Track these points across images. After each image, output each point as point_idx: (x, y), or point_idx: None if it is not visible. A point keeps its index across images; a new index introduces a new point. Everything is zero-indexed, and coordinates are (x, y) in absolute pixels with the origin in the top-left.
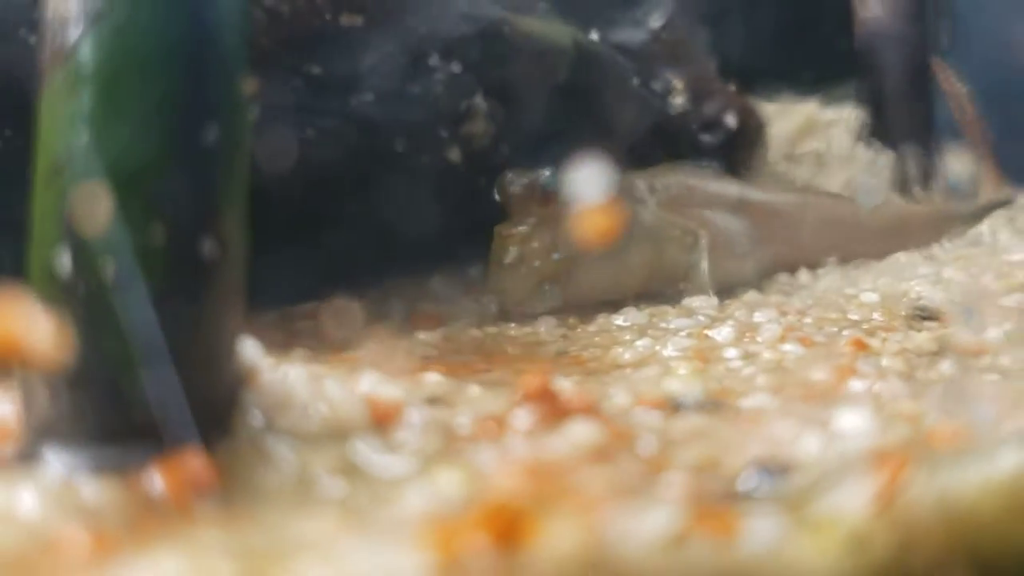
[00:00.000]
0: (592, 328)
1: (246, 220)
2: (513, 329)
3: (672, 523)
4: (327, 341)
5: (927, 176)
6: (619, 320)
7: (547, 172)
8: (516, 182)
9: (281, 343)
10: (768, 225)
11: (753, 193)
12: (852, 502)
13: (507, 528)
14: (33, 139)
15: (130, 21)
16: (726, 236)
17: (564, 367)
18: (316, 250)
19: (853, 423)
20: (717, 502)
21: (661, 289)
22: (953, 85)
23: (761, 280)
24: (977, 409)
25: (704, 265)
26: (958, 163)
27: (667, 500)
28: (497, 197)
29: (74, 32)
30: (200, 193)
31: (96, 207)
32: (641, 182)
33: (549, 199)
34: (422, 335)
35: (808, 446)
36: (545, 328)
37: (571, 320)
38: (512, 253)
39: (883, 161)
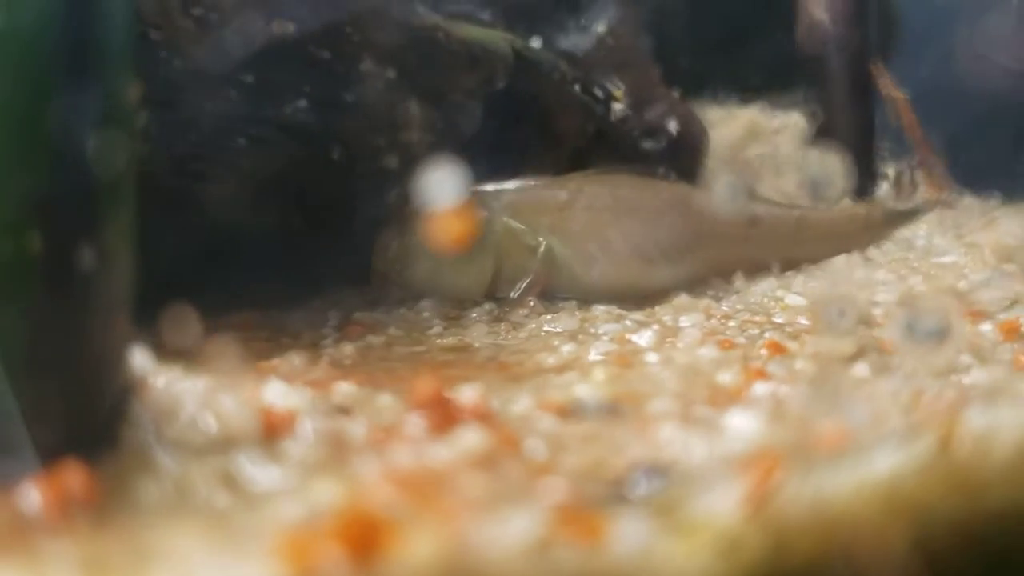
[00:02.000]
0: (523, 334)
1: (132, 229)
2: (443, 337)
3: (537, 527)
4: (245, 352)
5: (867, 180)
6: (550, 326)
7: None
8: (394, 196)
9: (207, 353)
10: (699, 231)
11: (685, 199)
12: (723, 504)
13: (364, 537)
14: None
15: (6, 27)
16: (619, 243)
17: (488, 372)
18: (251, 260)
19: (741, 426)
20: (589, 506)
21: (504, 294)
22: (892, 90)
23: (692, 285)
24: (857, 411)
25: (531, 278)
26: (895, 167)
27: (536, 506)
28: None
29: None
30: (79, 201)
31: None
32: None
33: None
34: (352, 344)
35: (693, 449)
36: (477, 334)
37: (503, 326)
38: (388, 256)
39: (828, 165)
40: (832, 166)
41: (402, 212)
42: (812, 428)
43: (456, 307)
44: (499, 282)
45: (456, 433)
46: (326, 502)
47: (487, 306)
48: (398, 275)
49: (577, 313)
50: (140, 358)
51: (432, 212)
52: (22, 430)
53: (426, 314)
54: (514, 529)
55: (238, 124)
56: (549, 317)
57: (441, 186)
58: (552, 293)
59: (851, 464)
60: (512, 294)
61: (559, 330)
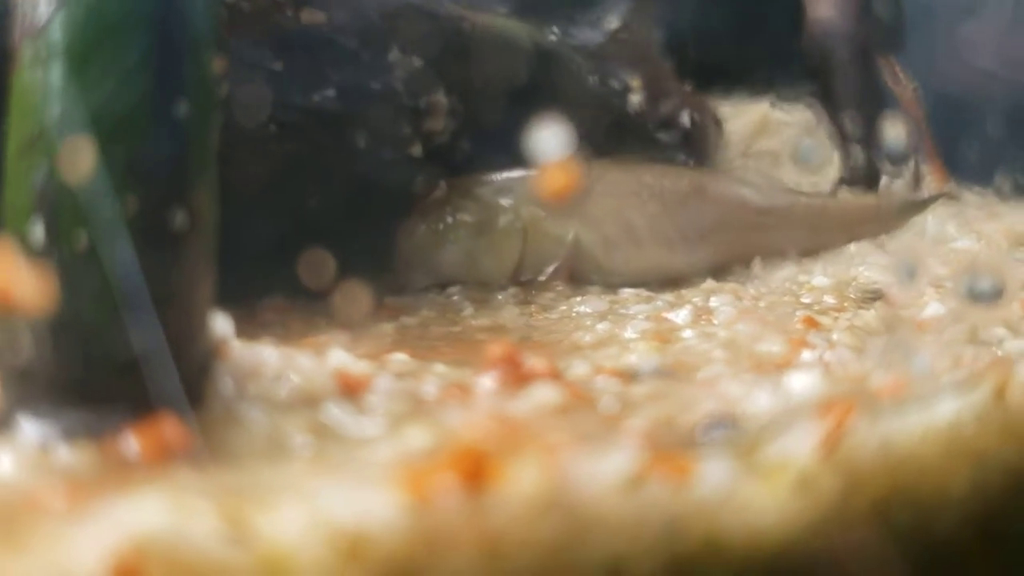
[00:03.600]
0: (554, 316)
1: (216, 194)
2: (476, 318)
3: (630, 465)
4: (294, 329)
5: (876, 172)
6: (580, 307)
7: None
8: (420, 184)
9: (248, 333)
10: (719, 217)
11: (705, 186)
12: (799, 447)
13: (474, 470)
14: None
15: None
16: (642, 228)
17: (528, 350)
18: (279, 245)
19: (802, 382)
20: (673, 449)
21: (530, 278)
22: (901, 84)
23: (713, 271)
24: (917, 363)
25: (558, 262)
26: (894, 133)
27: (626, 446)
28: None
29: (45, 9)
30: (172, 165)
31: (69, 177)
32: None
33: (422, 197)
34: (388, 324)
35: (759, 401)
36: (508, 316)
37: (533, 308)
38: (413, 243)
39: (836, 158)
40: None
41: (427, 198)
42: (871, 382)
43: (482, 291)
44: (523, 268)
45: (531, 390)
46: (424, 445)
47: (512, 290)
48: (423, 261)
49: (605, 296)
50: (220, 321)
51: (539, 166)
52: (122, 382)
53: (455, 297)
54: (610, 465)
55: (267, 111)
56: (578, 299)
57: (547, 142)
58: (576, 278)
59: (915, 411)
60: (540, 278)
61: (589, 311)
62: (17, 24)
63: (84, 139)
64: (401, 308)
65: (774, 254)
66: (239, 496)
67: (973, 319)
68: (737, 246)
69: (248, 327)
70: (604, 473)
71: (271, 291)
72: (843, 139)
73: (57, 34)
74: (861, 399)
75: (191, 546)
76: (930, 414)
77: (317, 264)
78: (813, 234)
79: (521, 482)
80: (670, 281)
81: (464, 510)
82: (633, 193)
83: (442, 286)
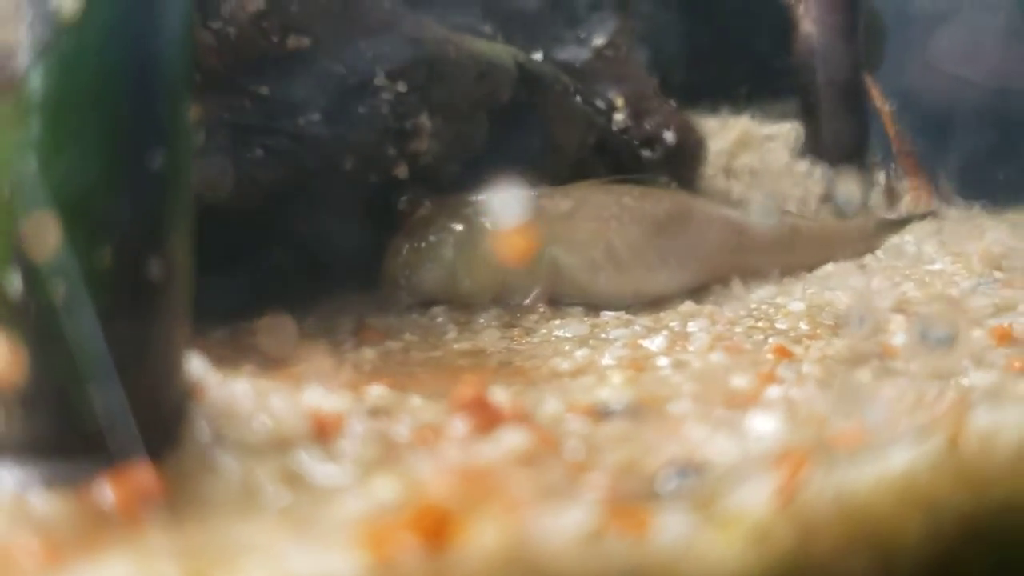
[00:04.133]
0: (535, 339)
1: (190, 241)
2: (458, 342)
3: (589, 520)
4: (272, 357)
5: (859, 190)
6: (560, 331)
7: (404, 197)
8: (405, 204)
9: (229, 359)
10: (698, 239)
11: (685, 208)
12: (755, 498)
13: (435, 528)
14: None
15: (77, 51)
16: (623, 251)
17: (506, 377)
18: (265, 267)
19: (763, 426)
20: (633, 501)
21: (512, 299)
22: (880, 102)
23: (693, 291)
24: (874, 411)
25: (538, 290)
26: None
27: (586, 500)
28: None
29: (21, 62)
30: (146, 216)
31: (45, 231)
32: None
33: (406, 216)
34: (369, 349)
35: (721, 447)
36: (489, 339)
37: (515, 331)
38: (398, 262)
39: (817, 175)
40: (818, 177)
41: (411, 219)
42: (829, 428)
43: (466, 313)
44: (506, 289)
45: (499, 434)
46: (389, 497)
47: (495, 311)
48: (408, 280)
49: (586, 319)
50: (195, 363)
51: (497, 230)
52: (97, 431)
53: (439, 319)
54: (569, 521)
55: (252, 135)
56: (558, 322)
57: (505, 207)
58: (557, 299)
59: (870, 460)
60: (525, 302)
61: (570, 335)
62: None
63: (59, 192)
64: (385, 331)
65: (752, 274)
66: (205, 558)
67: (932, 359)
68: (716, 267)
69: (229, 352)
70: (564, 528)
71: (254, 312)
72: (828, 156)
73: (33, 87)
74: (817, 448)
75: None
76: (885, 463)
77: (297, 282)
78: (788, 254)
79: (482, 538)
80: (652, 302)
81: (424, 569)
82: (614, 216)
83: (426, 305)
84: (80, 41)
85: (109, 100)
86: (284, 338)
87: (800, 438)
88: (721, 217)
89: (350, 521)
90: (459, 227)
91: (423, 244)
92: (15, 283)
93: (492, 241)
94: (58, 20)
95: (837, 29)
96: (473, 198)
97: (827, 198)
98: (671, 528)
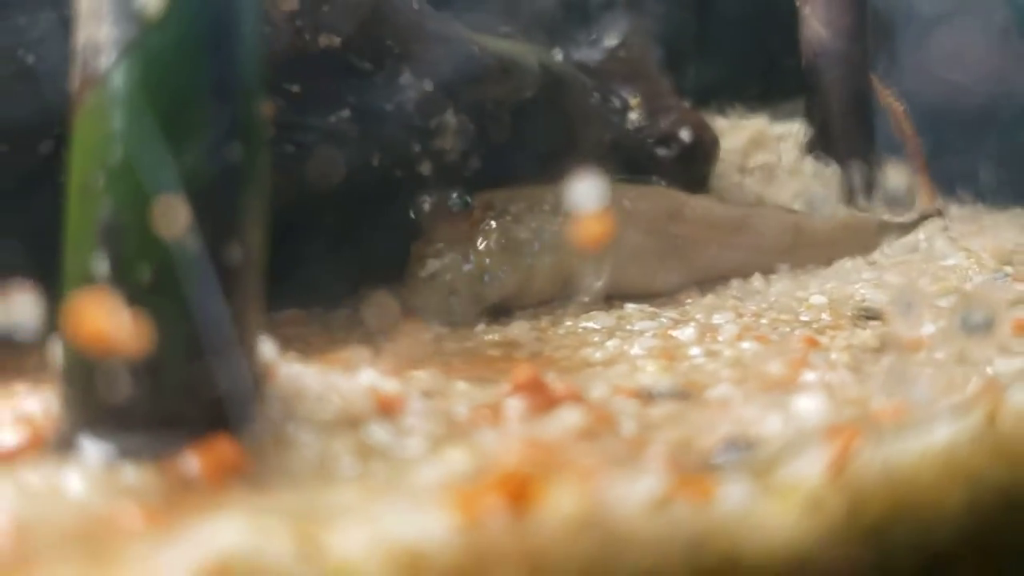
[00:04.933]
0: (562, 331)
1: (265, 230)
2: (488, 333)
3: (658, 488)
4: (315, 343)
5: (869, 188)
6: (588, 323)
7: (455, 195)
8: (430, 203)
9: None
10: (709, 236)
11: (695, 206)
12: (809, 470)
13: (518, 492)
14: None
15: (160, 50)
16: (646, 248)
17: (539, 367)
18: (295, 260)
19: (808, 406)
20: (695, 471)
21: (563, 298)
22: (891, 102)
23: (713, 286)
24: (915, 390)
25: (599, 281)
26: (896, 176)
27: (652, 469)
28: (414, 218)
29: (106, 59)
30: (229, 205)
31: (132, 218)
32: (551, 195)
33: (459, 218)
34: (403, 340)
35: (771, 425)
36: (519, 331)
37: (543, 323)
38: (427, 268)
39: (828, 174)
40: (829, 175)
41: (437, 216)
42: (872, 406)
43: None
44: (560, 287)
45: (557, 412)
46: (465, 467)
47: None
48: (472, 289)
49: (612, 312)
50: (267, 345)
51: (577, 216)
52: (179, 405)
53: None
54: (640, 488)
55: (284, 131)
56: (584, 315)
57: (585, 195)
58: (611, 295)
59: (913, 435)
60: (584, 298)
61: (597, 327)
62: (78, 71)
63: (144, 183)
64: (416, 324)
65: (749, 271)
66: (307, 517)
67: (963, 343)
68: (715, 265)
69: (274, 342)
70: (634, 495)
71: (287, 303)
72: (838, 155)
73: (118, 83)
74: (865, 424)
75: (268, 564)
76: (927, 438)
77: (326, 278)
78: (787, 252)
79: (560, 504)
80: (671, 296)
81: (510, 529)
82: (666, 212)
83: (494, 314)
84: (163, 38)
85: (190, 95)
86: (386, 313)
87: (845, 415)
88: (719, 215)
89: (434, 486)
90: (521, 225)
91: (484, 246)
92: (101, 267)
93: (562, 234)
94: (143, 18)
95: (845, 30)
96: (524, 192)
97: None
98: (733, 496)
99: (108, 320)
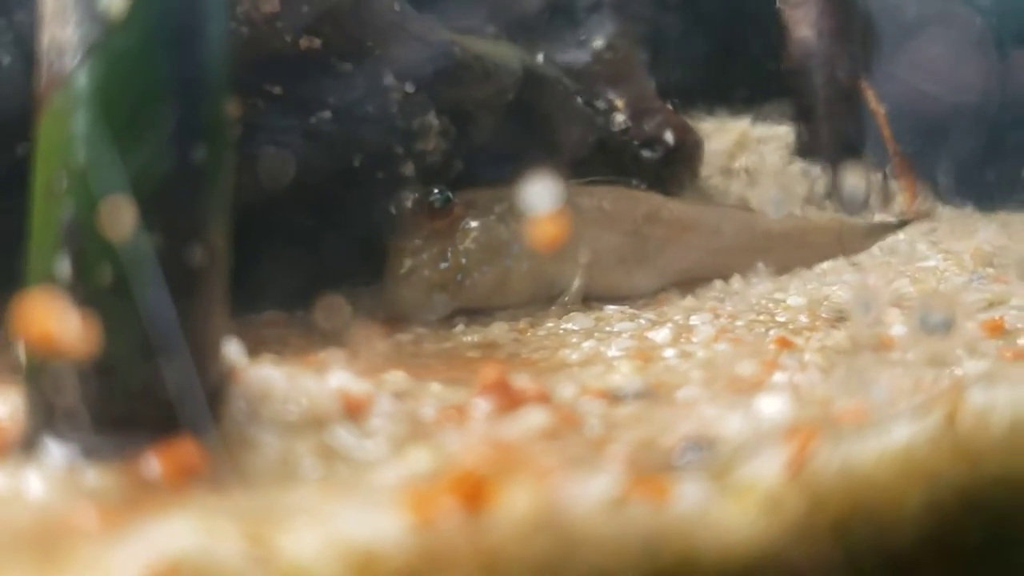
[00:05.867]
0: (541, 332)
1: (229, 231)
2: (467, 335)
3: (613, 488)
4: (293, 344)
5: (854, 190)
6: (567, 324)
7: (436, 191)
8: (409, 200)
9: (250, 350)
10: (686, 238)
11: (672, 208)
12: (767, 469)
13: (473, 492)
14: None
15: (124, 51)
16: (624, 250)
17: (517, 367)
18: (274, 262)
19: (771, 406)
20: (653, 472)
21: (542, 299)
22: (874, 104)
23: (693, 286)
24: (876, 390)
25: (579, 283)
26: (879, 178)
27: (610, 470)
28: (394, 213)
29: (70, 60)
30: (191, 206)
31: (94, 220)
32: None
33: (438, 215)
34: (380, 341)
35: (732, 424)
36: (498, 332)
37: (522, 324)
38: (405, 265)
39: (815, 176)
40: (813, 177)
41: (414, 216)
42: (834, 406)
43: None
44: (540, 288)
45: (522, 413)
46: (424, 467)
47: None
48: (445, 289)
49: (590, 313)
50: (233, 346)
51: (533, 217)
52: (141, 406)
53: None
54: (595, 487)
55: (264, 133)
56: (564, 316)
57: (540, 194)
58: (588, 297)
59: (873, 435)
60: (565, 299)
61: (576, 328)
62: (43, 72)
63: (108, 182)
64: (395, 324)
65: (733, 273)
66: (260, 518)
67: (930, 344)
68: (693, 267)
69: (249, 343)
70: (590, 495)
71: (266, 305)
72: (823, 158)
73: (82, 84)
74: (824, 424)
75: (218, 566)
76: (887, 438)
77: (305, 279)
78: (765, 254)
79: (515, 503)
80: (651, 298)
81: (464, 530)
82: (594, 221)
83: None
84: (127, 40)
85: (155, 96)
86: (339, 316)
87: (807, 415)
88: (697, 218)
89: (391, 487)
90: (496, 225)
91: (456, 247)
92: (64, 268)
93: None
94: (106, 19)
95: (833, 34)
96: (501, 192)
97: (830, 195)
98: (689, 496)
99: (55, 322)
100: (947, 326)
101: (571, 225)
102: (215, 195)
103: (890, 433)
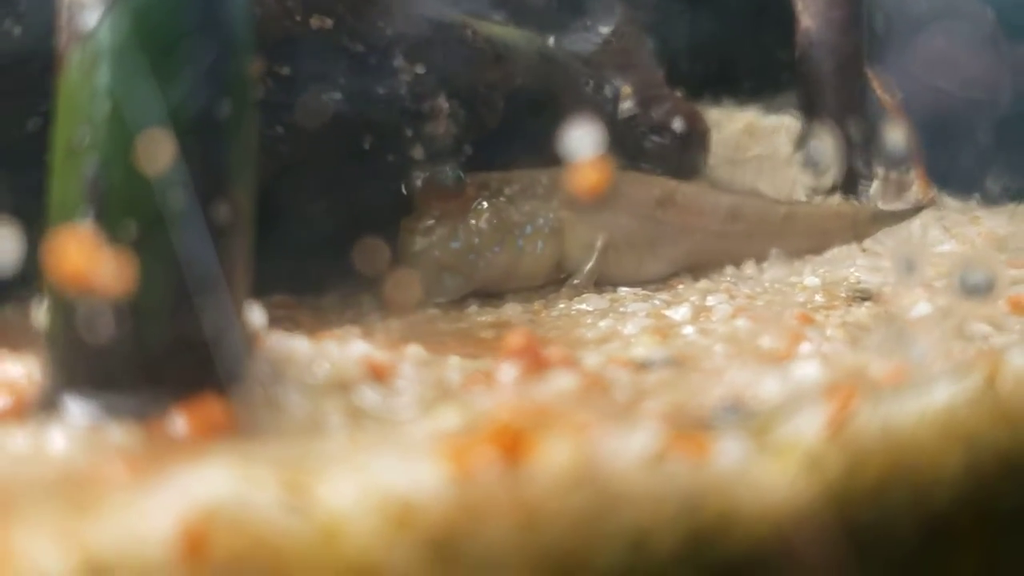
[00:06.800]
0: (555, 313)
1: (253, 190)
2: (481, 315)
3: (653, 443)
4: (304, 324)
5: (865, 178)
6: (580, 305)
7: (448, 170)
8: (421, 179)
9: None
10: (700, 222)
11: (686, 192)
12: (807, 428)
13: (511, 445)
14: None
15: (149, 4)
16: (637, 234)
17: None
18: (285, 243)
19: (806, 371)
20: (691, 429)
21: (556, 282)
22: (886, 95)
23: (706, 271)
24: (914, 351)
25: (592, 264)
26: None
27: (647, 426)
28: (405, 193)
29: (92, 15)
30: (215, 161)
31: (117, 173)
32: (546, 178)
33: (449, 194)
34: (396, 320)
35: (767, 387)
36: (511, 313)
37: (535, 306)
38: (417, 244)
39: (823, 164)
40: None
41: (429, 192)
42: (871, 369)
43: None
44: (556, 270)
45: (551, 376)
46: (456, 424)
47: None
48: (458, 270)
49: (605, 295)
50: (255, 311)
51: (572, 165)
52: (166, 365)
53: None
54: (635, 443)
55: (275, 112)
56: (577, 298)
57: (580, 142)
58: (601, 281)
59: (912, 396)
60: (575, 281)
61: (591, 309)
62: (63, 28)
63: (131, 136)
64: (408, 304)
65: (741, 259)
66: (295, 467)
67: (961, 314)
68: (700, 252)
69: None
70: (629, 450)
71: (276, 288)
72: (831, 146)
73: (105, 38)
74: (863, 384)
75: (255, 513)
76: (926, 399)
77: (315, 263)
78: (779, 240)
79: (554, 457)
80: (664, 282)
81: (503, 482)
82: (608, 204)
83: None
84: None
85: (178, 49)
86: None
87: (843, 379)
88: (708, 202)
89: (426, 440)
90: (510, 207)
91: (470, 229)
92: (87, 224)
93: (554, 218)
94: None
95: (838, 23)
96: (515, 174)
97: (836, 186)
98: (729, 453)
99: (90, 257)
100: (989, 287)
101: (608, 171)
102: (239, 151)
103: (930, 394)
